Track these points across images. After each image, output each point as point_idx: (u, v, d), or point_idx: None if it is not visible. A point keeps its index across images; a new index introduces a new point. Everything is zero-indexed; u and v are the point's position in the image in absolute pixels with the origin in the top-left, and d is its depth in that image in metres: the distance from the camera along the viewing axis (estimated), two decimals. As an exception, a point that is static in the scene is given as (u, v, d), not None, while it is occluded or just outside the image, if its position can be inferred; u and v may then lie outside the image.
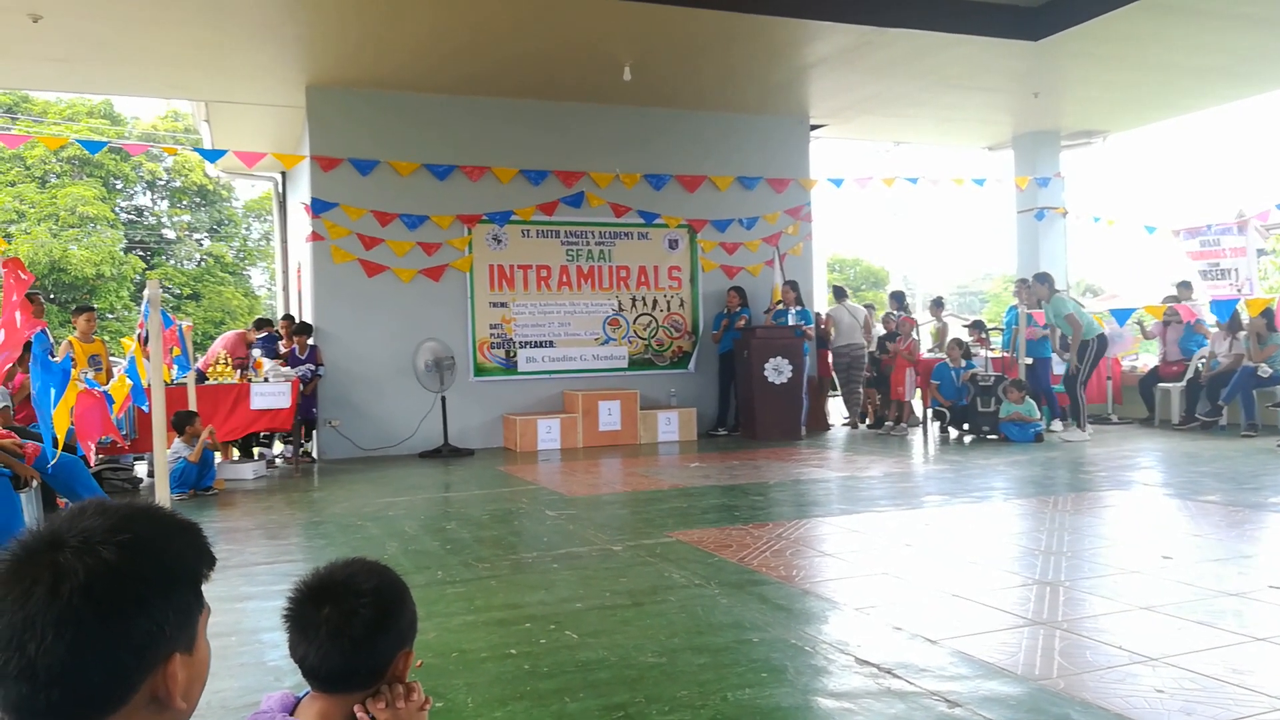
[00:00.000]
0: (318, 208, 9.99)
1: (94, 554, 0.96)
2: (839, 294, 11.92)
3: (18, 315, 3.56)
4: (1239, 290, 11.39)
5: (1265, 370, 9.49)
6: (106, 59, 9.11)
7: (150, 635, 0.98)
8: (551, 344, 10.83)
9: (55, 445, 3.95)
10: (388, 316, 10.12)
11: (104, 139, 22.93)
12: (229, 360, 8.92)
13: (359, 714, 1.49)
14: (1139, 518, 5.51)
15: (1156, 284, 13.27)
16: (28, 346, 4.44)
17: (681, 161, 11.30)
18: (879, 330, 12.15)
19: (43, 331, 3.63)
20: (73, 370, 4.03)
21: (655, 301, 11.32)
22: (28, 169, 25.84)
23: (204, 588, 1.08)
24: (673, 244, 11.39)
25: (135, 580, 0.97)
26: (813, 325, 11.24)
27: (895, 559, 4.56)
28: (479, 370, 10.51)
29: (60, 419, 3.77)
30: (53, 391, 3.63)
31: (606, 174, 10.91)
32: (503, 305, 10.66)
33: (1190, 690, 2.69)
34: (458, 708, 2.70)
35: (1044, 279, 10.22)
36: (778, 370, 10.22)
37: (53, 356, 3.54)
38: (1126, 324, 11.72)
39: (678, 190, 11.30)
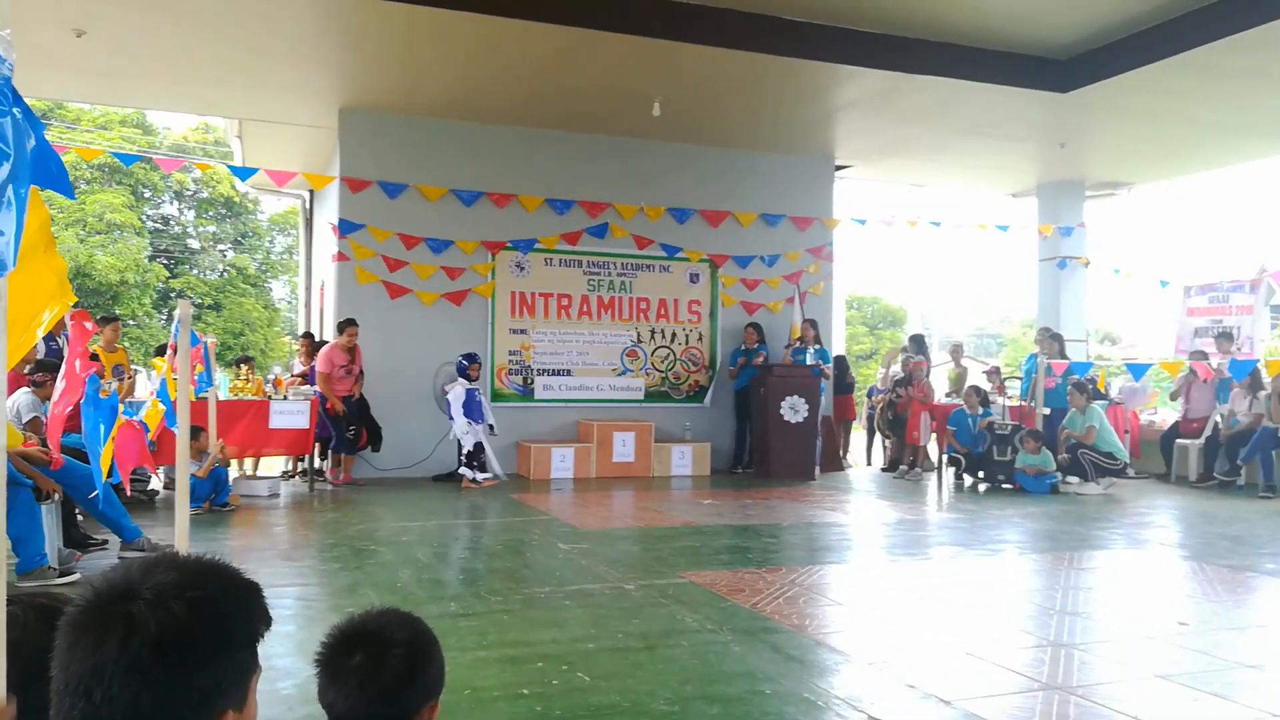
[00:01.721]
0: (345, 228, 10.10)
1: (167, 608, 1.00)
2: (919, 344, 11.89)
3: (78, 364, 3.63)
4: (1239, 350, 11.29)
5: (1286, 431, 9.41)
6: (146, 75, 9.28)
7: (208, 691, 1.02)
8: (569, 373, 10.87)
9: (103, 477, 4.02)
10: (409, 339, 10.19)
11: (137, 150, 23.25)
12: (251, 377, 9.03)
13: (383, 763, 1.50)
14: (1154, 579, 5.47)
15: (1168, 339, 13.16)
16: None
17: (706, 197, 11.38)
18: (896, 372, 12.15)
19: (95, 374, 3.70)
20: (119, 404, 4.10)
21: (674, 334, 11.36)
22: (70, 200, 26.16)
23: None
24: (694, 278, 11.44)
25: (202, 637, 1.01)
26: (830, 364, 11.25)
27: (908, 611, 4.54)
28: (496, 396, 10.55)
29: (107, 453, 3.83)
30: (102, 428, 3.69)
31: (631, 206, 10.99)
32: (522, 332, 10.72)
33: (1206, 767, 2.67)
34: (470, 749, 2.70)
35: (1057, 338, 10.24)
36: (794, 409, 10.22)
37: (103, 394, 3.60)
38: (1143, 379, 11.70)
39: (701, 225, 11.36)
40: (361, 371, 9.39)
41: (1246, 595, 5.06)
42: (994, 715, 3.08)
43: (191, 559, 1.10)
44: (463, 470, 9.23)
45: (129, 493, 5.40)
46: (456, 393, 9.27)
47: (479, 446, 9.29)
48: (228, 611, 1.06)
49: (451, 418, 9.33)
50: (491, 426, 9.61)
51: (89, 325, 3.73)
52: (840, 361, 12.43)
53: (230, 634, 1.05)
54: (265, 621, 1.12)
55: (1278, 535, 6.99)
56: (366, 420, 9.44)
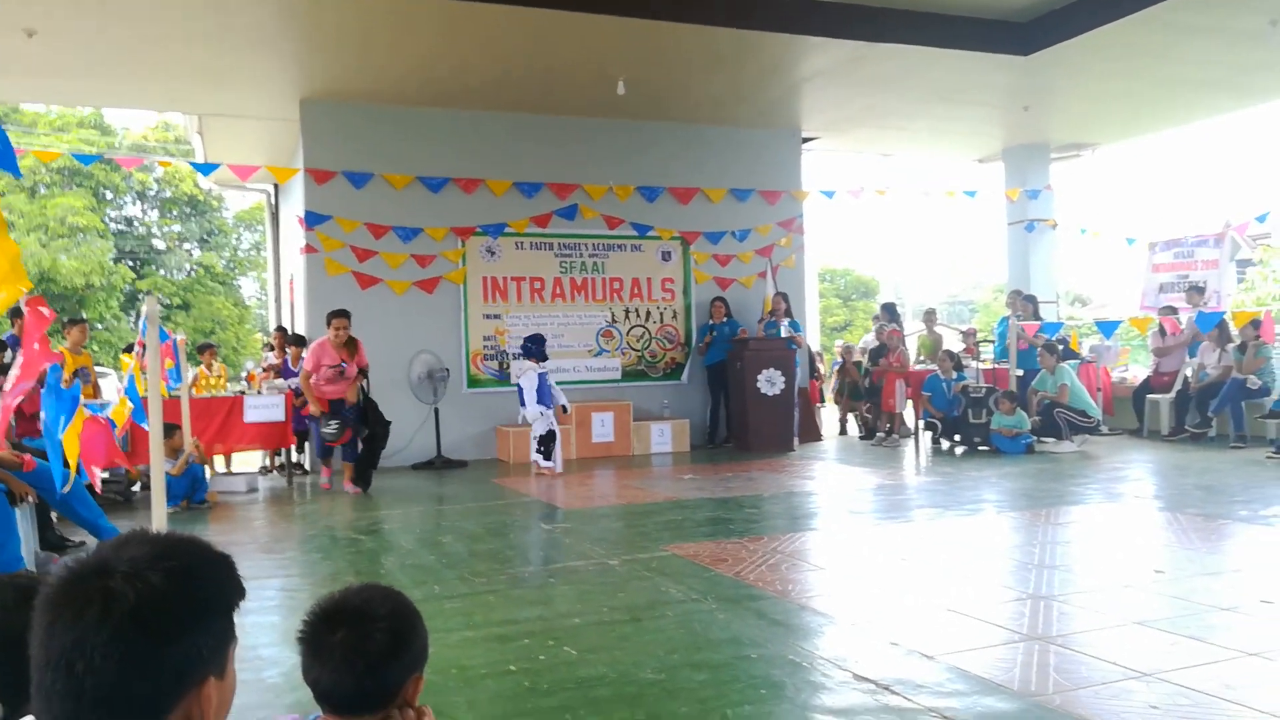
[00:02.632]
0: (311, 220, 10.00)
1: (143, 579, 1.01)
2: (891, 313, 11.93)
3: (36, 346, 3.58)
4: (1206, 303, 11.44)
5: (1254, 382, 9.57)
6: (101, 73, 9.13)
7: (189, 659, 1.03)
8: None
9: (66, 469, 3.97)
10: (381, 329, 10.11)
11: (96, 151, 22.90)
12: (223, 373, 8.93)
13: (371, 739, 1.51)
14: (1130, 531, 5.56)
15: (1137, 296, 13.29)
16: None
17: (675, 174, 11.35)
18: (870, 341, 12.23)
19: (57, 364, 3.65)
20: (81, 396, 4.05)
21: (648, 313, 11.36)
22: (17, 179, 25.76)
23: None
24: (666, 256, 11.43)
25: (180, 606, 1.02)
26: (803, 335, 11.29)
27: (890, 572, 4.59)
28: (472, 382, 10.53)
29: (69, 444, 3.78)
30: (62, 419, 3.65)
31: (600, 186, 10.95)
32: (496, 317, 10.69)
33: (1184, 706, 2.73)
34: (459, 726, 2.71)
35: (1031, 299, 10.33)
36: (770, 382, 10.26)
37: (65, 385, 3.56)
38: (1113, 336, 11.83)
39: (671, 203, 11.35)
40: (363, 372, 8.14)
41: (1220, 542, 5.15)
42: (976, 667, 3.12)
43: (163, 534, 1.10)
44: (535, 458, 8.85)
45: (99, 490, 5.33)
46: (529, 378, 8.76)
47: (551, 434, 8.79)
48: (203, 581, 1.07)
49: (524, 404, 8.77)
50: (564, 407, 9.10)
51: (45, 311, 3.68)
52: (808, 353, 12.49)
53: (207, 602, 1.06)
54: (240, 592, 1.13)
55: (1249, 484, 7.11)
56: (369, 424, 8.20)
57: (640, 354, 11.31)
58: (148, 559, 1.03)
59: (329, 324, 7.98)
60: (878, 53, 9.06)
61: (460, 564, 5.01)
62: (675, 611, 3.92)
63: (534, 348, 8.92)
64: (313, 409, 7.94)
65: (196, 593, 1.05)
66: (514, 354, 10.70)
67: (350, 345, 7.95)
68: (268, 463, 10.04)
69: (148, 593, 1.00)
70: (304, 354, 8.57)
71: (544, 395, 8.78)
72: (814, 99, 10.75)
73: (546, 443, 8.82)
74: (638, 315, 11.31)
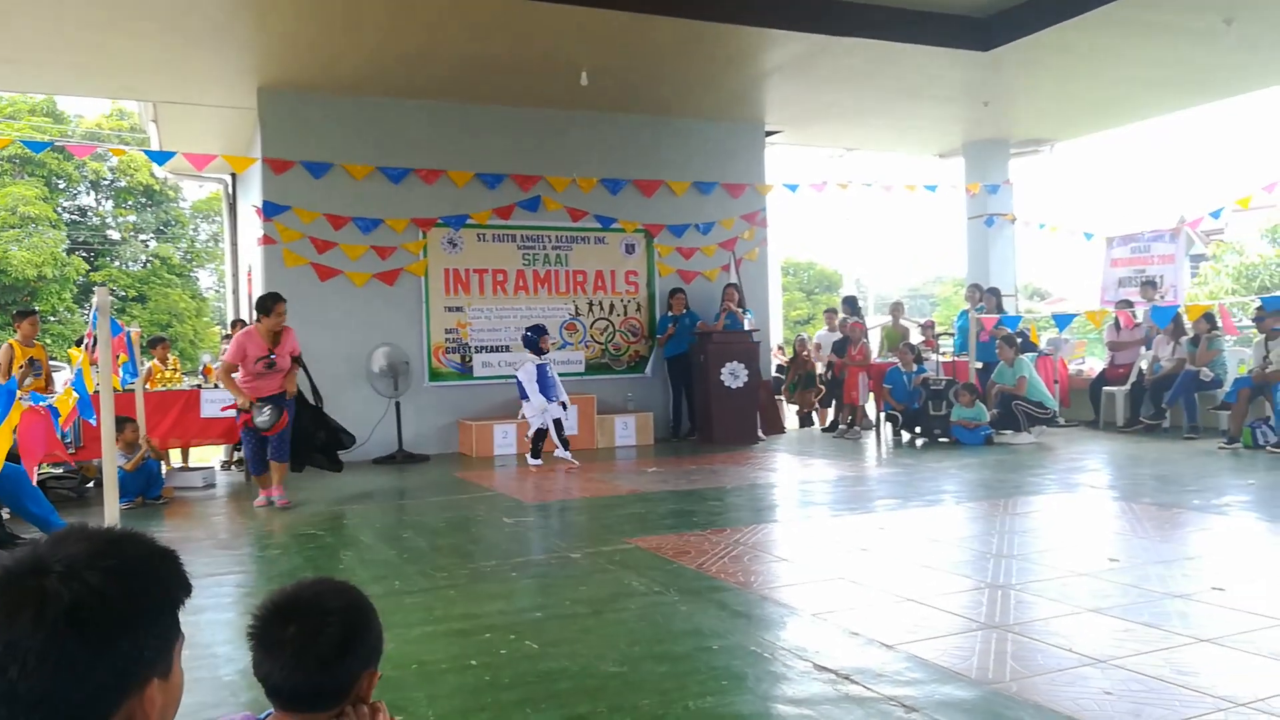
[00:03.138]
0: (269, 211, 9.85)
1: (79, 579, 0.97)
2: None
3: None
4: (1162, 297, 11.67)
5: (1207, 374, 9.75)
6: (53, 60, 8.91)
7: (130, 660, 0.99)
8: (508, 348, 10.78)
9: None
10: (341, 321, 10.01)
11: (48, 139, 22.40)
12: (177, 366, 8.76)
13: (324, 736, 1.48)
14: (1085, 521, 5.64)
15: (1094, 290, 13.51)
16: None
17: (639, 166, 11.33)
18: (825, 337, 12.32)
19: None
20: (18, 384, 3.95)
21: (612, 306, 11.33)
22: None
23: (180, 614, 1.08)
24: (629, 249, 11.41)
25: (119, 606, 0.98)
26: (753, 317, 11.32)
27: (850, 563, 4.62)
28: (434, 375, 10.44)
29: (3, 438, 3.69)
30: (-4, 412, 3.56)
31: (563, 178, 10.90)
32: (458, 310, 10.60)
33: (1138, 692, 2.77)
34: (419, 721, 2.69)
35: (994, 293, 10.44)
36: (734, 374, 10.28)
37: (6, 376, 3.47)
38: (1067, 329, 12.02)
39: (635, 195, 11.32)
40: (298, 361, 7.19)
41: (1174, 531, 5.25)
42: (934, 655, 3.15)
43: (102, 529, 1.07)
44: (530, 459, 8.70)
45: (34, 481, 5.17)
46: (528, 369, 8.51)
47: (541, 432, 8.58)
48: (144, 579, 1.03)
49: (525, 397, 8.52)
50: (564, 404, 8.86)
51: None
52: None
53: (148, 601, 1.02)
54: (185, 588, 1.10)
55: (1202, 474, 7.25)
56: (320, 423, 7.51)
57: (604, 347, 11.28)
58: (85, 557, 0.99)
59: (269, 311, 6.82)
60: (840, 46, 9.10)
61: (422, 559, 4.97)
62: (637, 604, 3.92)
63: (530, 337, 8.74)
64: (239, 402, 6.80)
65: (136, 592, 1.01)
66: (475, 347, 10.64)
67: (277, 335, 6.91)
68: (227, 458, 9.89)
69: (84, 593, 0.96)
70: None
71: (546, 388, 8.61)
72: (777, 92, 10.78)
73: (536, 440, 8.69)
74: (601, 308, 11.28)
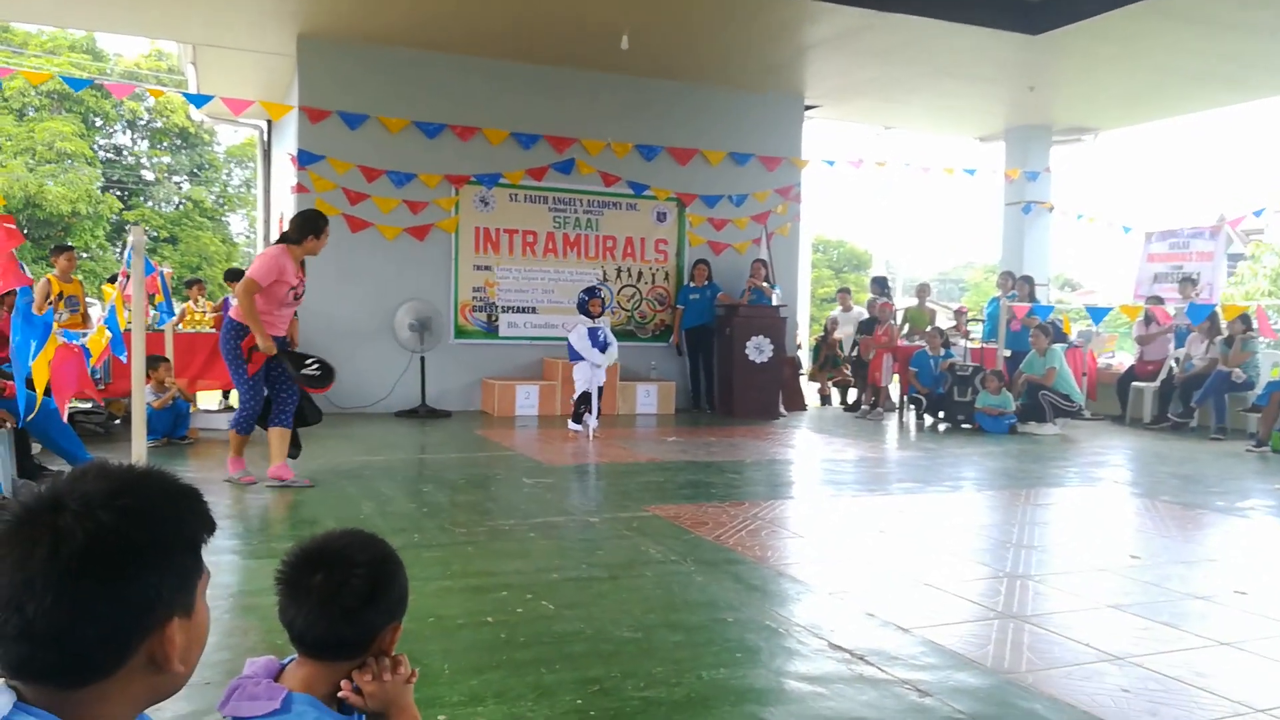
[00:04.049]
0: (304, 159, 9.86)
1: (94, 518, 0.96)
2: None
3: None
4: (1198, 295, 11.48)
5: (1239, 375, 9.61)
6: (94, -6, 8.91)
7: (148, 599, 0.99)
8: (534, 310, 10.79)
9: (32, 396, 3.90)
10: (370, 274, 10.04)
11: (88, 76, 22.48)
12: (209, 309, 8.83)
13: (344, 685, 1.49)
14: (1107, 516, 5.60)
15: (1128, 285, 13.32)
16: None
17: (674, 134, 11.23)
18: (862, 314, 12.22)
19: (28, 287, 3.58)
20: (54, 323, 3.98)
21: (640, 274, 11.30)
22: (5, 101, 25.31)
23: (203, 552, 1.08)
24: (661, 217, 11.35)
25: (134, 544, 0.98)
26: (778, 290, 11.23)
27: (868, 544, 4.61)
28: (459, 332, 10.47)
29: (39, 372, 3.72)
30: (33, 345, 3.58)
31: (598, 142, 10.82)
32: (486, 269, 10.60)
33: (1155, 691, 2.75)
34: (433, 674, 2.71)
35: (1028, 280, 10.31)
36: (759, 349, 10.24)
37: (37, 310, 3.49)
38: (1100, 323, 11.87)
39: (669, 162, 11.23)
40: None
41: (1196, 531, 5.19)
42: (950, 642, 3.14)
43: (123, 467, 1.06)
44: (571, 423, 8.65)
45: (64, 419, 5.18)
46: (579, 331, 8.46)
47: (585, 396, 8.47)
48: (162, 517, 1.02)
49: (580, 357, 8.45)
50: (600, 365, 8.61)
51: (10, 226, 3.60)
52: None
53: (165, 540, 1.01)
54: (207, 526, 1.09)
55: (1227, 475, 7.17)
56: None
57: (630, 314, 11.26)
58: (102, 495, 0.98)
59: (319, 231, 5.63)
60: (886, 22, 8.94)
61: (441, 514, 5.00)
62: (654, 572, 3.93)
63: (582, 299, 8.65)
64: (262, 345, 5.44)
65: (152, 531, 1.00)
66: (502, 307, 10.65)
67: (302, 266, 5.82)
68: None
69: (98, 531, 0.95)
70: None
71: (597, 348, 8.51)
72: (819, 66, 10.63)
73: (579, 404, 8.56)
74: (629, 275, 11.24)
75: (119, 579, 0.96)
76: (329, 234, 5.71)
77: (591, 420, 8.48)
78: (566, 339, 8.80)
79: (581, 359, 8.50)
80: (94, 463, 1.06)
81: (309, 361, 5.69)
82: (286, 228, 5.69)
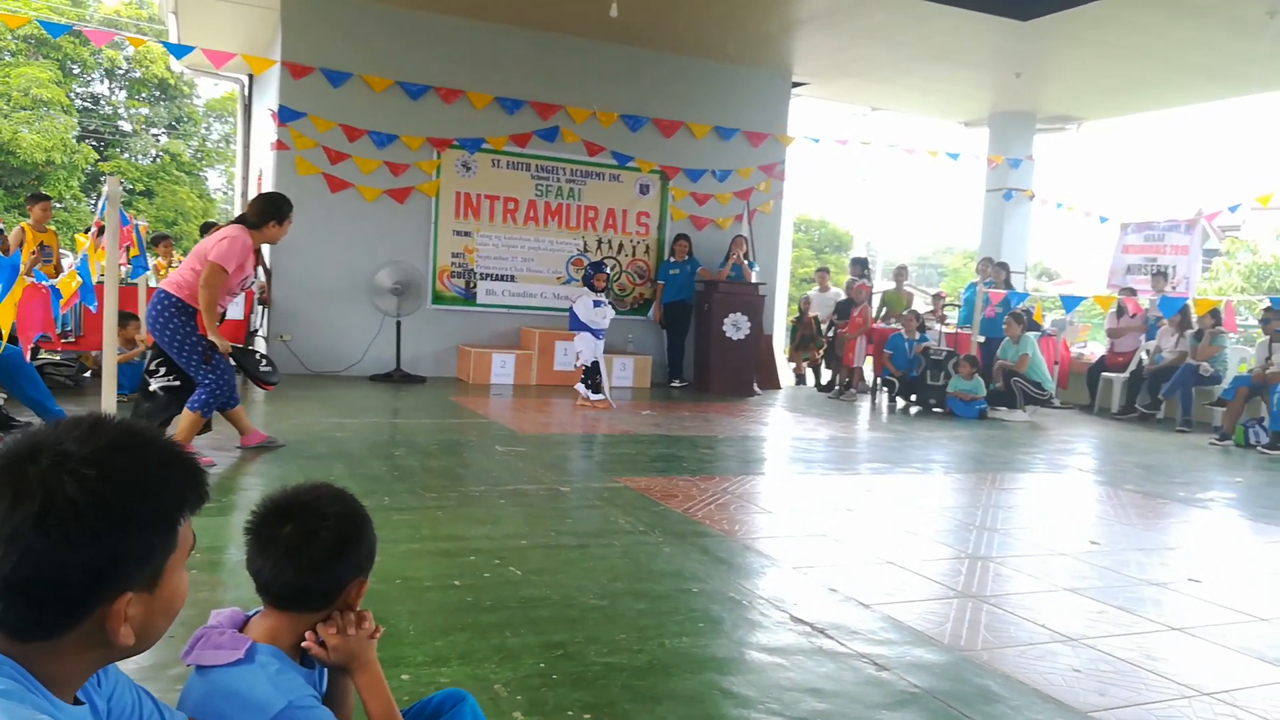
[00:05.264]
0: (285, 116, 9.74)
1: (58, 480, 0.95)
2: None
3: None
4: (1173, 288, 11.62)
5: (1207, 369, 9.75)
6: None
7: (102, 570, 0.98)
8: (513, 278, 10.76)
9: (1, 340, 3.86)
10: (348, 235, 9.96)
11: (66, 21, 22.02)
12: (168, 256, 8.74)
13: (308, 637, 1.51)
14: (1070, 502, 5.69)
15: (1104, 274, 13.44)
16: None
17: (660, 105, 11.18)
18: (839, 295, 12.27)
19: None
20: (21, 264, 3.93)
21: (621, 245, 11.28)
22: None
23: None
24: (644, 189, 11.32)
25: (91, 515, 0.96)
26: (756, 269, 11.26)
27: (835, 522, 4.66)
28: (437, 298, 10.42)
29: (4, 314, 3.68)
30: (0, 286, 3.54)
31: (583, 110, 10.76)
32: (466, 235, 10.55)
33: (1105, 672, 2.81)
34: (399, 634, 2.73)
35: (1004, 267, 10.38)
36: (737, 326, 10.28)
37: (4, 252, 3.45)
38: (1073, 313, 11.99)
39: (654, 134, 11.19)
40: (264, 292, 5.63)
41: (1156, 520, 5.29)
42: (909, 619, 3.20)
43: (113, 430, 1.03)
44: (578, 387, 8.69)
45: (26, 358, 5.02)
46: (583, 302, 8.57)
47: (595, 365, 8.56)
48: (131, 490, 1.00)
49: (585, 326, 8.57)
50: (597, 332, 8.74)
51: None
52: None
53: (131, 513, 0.99)
54: (191, 501, 1.07)
55: (1190, 467, 7.29)
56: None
57: (608, 286, 11.23)
58: (76, 459, 0.97)
59: (283, 217, 5.29)
60: (877, 1, 8.93)
61: (412, 478, 5.00)
62: (622, 541, 3.96)
63: (589, 272, 8.81)
64: (219, 345, 5.11)
65: (117, 503, 0.98)
66: (480, 274, 10.60)
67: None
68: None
69: (57, 497, 0.95)
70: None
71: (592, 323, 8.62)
72: (807, 42, 10.60)
73: (592, 374, 8.60)
74: (610, 247, 11.22)
75: (70, 547, 0.95)
76: (292, 221, 5.36)
77: (594, 394, 8.56)
78: (570, 308, 8.91)
79: (586, 328, 8.59)
80: (87, 416, 1.05)
81: (259, 357, 5.72)
82: (248, 207, 5.33)
